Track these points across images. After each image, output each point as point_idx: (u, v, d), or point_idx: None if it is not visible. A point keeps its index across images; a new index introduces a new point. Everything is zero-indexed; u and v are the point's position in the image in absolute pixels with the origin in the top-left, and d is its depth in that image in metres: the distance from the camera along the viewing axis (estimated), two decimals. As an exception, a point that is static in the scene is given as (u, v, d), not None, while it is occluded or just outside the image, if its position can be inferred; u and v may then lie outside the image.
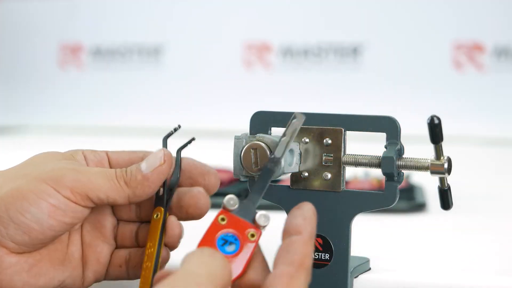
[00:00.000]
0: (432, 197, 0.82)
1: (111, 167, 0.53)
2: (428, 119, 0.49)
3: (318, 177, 0.53)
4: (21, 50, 1.98)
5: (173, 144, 0.53)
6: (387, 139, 0.52)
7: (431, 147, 0.50)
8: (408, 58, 1.71)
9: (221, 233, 0.44)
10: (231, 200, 0.45)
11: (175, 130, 0.54)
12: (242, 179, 0.53)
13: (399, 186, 0.52)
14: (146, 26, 1.90)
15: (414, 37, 1.71)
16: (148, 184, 0.49)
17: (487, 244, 0.68)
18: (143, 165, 0.50)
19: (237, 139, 0.53)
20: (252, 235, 0.45)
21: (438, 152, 0.50)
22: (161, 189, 0.51)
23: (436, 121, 0.49)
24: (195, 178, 0.52)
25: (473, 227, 0.76)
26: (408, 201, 0.85)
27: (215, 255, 0.41)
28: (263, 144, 0.52)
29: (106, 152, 0.54)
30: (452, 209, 0.53)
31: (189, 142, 0.53)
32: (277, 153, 0.48)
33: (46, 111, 1.94)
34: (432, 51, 1.69)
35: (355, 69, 1.74)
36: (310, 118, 0.54)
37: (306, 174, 0.54)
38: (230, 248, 0.44)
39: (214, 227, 0.45)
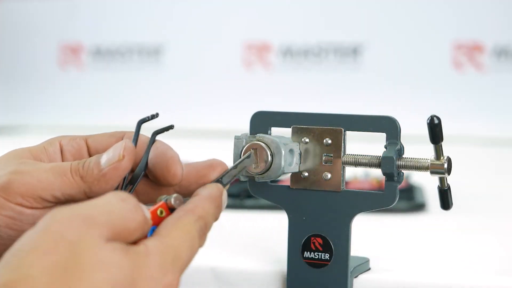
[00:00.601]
0: (432, 197, 0.82)
1: (90, 155, 0.50)
2: (428, 119, 0.49)
3: (318, 177, 0.53)
4: (21, 50, 1.98)
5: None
6: (387, 139, 0.52)
7: (431, 147, 0.51)
8: (408, 58, 1.71)
9: (155, 224, 0.43)
10: (177, 199, 0.44)
11: (152, 117, 0.50)
12: (242, 179, 0.53)
13: (399, 186, 0.52)
14: (146, 26, 1.90)
15: (414, 37, 1.71)
16: (105, 181, 0.45)
17: (487, 244, 0.68)
18: (103, 158, 0.46)
19: (237, 139, 0.53)
20: None
21: (438, 152, 0.50)
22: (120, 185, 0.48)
23: (436, 121, 0.49)
24: (159, 170, 0.49)
25: (473, 227, 0.76)
26: (408, 201, 0.85)
27: (127, 200, 0.40)
28: (263, 144, 0.52)
29: (86, 139, 0.51)
30: (452, 209, 0.53)
31: (167, 128, 0.50)
32: (224, 180, 0.48)
33: (46, 111, 1.94)
34: (432, 51, 1.69)
35: (355, 69, 1.74)
36: (310, 118, 0.54)
37: (306, 174, 0.54)
38: None
39: (152, 215, 0.43)
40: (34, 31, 1.96)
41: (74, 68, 1.94)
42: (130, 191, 0.49)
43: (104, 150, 0.48)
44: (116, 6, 1.92)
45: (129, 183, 0.49)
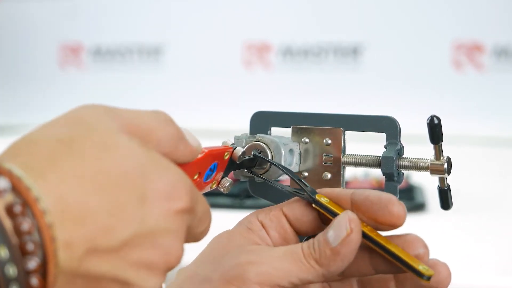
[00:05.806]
0: (432, 197, 0.82)
1: (292, 225, 0.48)
2: (428, 119, 0.49)
3: (318, 177, 0.53)
4: (21, 50, 1.98)
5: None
6: (387, 139, 0.52)
7: (431, 147, 0.50)
8: (408, 58, 1.71)
9: (216, 162, 0.48)
10: (239, 152, 0.49)
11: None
12: (242, 179, 0.53)
13: (399, 186, 0.52)
14: (146, 26, 1.90)
15: (414, 37, 1.71)
16: (341, 259, 0.43)
17: (487, 244, 0.68)
18: (330, 235, 0.44)
19: (237, 139, 0.53)
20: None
21: (438, 152, 0.50)
22: None
23: (436, 121, 0.49)
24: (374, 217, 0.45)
25: (473, 227, 0.76)
26: (408, 201, 0.85)
27: (159, 112, 0.40)
28: (263, 144, 0.52)
29: (280, 209, 0.49)
30: (452, 209, 0.53)
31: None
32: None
33: (46, 111, 1.94)
34: (432, 51, 1.69)
35: (355, 69, 1.74)
36: (310, 118, 0.54)
37: (306, 174, 0.54)
38: (208, 174, 0.48)
39: (218, 155, 0.48)
40: (34, 31, 1.96)
41: (74, 68, 1.94)
42: None
43: (301, 216, 0.48)
44: (116, 6, 1.92)
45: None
